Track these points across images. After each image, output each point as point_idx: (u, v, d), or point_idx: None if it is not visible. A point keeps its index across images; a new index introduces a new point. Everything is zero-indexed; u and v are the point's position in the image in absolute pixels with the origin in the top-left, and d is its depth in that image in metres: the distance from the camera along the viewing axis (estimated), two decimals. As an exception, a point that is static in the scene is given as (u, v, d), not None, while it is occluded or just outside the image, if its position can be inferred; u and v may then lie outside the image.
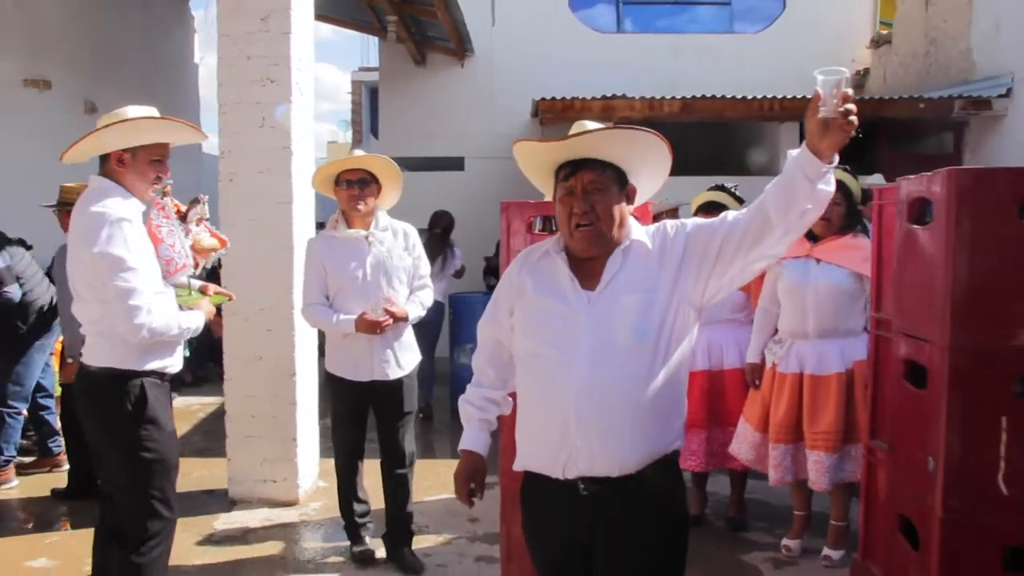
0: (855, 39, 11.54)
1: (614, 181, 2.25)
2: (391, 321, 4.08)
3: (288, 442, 5.27)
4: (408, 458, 4.30)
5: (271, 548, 4.62)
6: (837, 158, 2.00)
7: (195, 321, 3.17)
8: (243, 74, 5.21)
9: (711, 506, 5.13)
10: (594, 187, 2.22)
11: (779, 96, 8.05)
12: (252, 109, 5.19)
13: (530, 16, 10.81)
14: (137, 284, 2.93)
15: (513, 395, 2.53)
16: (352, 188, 4.09)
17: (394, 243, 4.25)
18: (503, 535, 3.34)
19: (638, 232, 2.31)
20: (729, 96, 8.23)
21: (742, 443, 4.52)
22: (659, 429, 2.25)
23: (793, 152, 2.04)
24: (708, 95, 8.19)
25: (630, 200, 2.33)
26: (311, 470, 5.53)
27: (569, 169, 2.25)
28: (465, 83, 10.71)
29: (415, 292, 4.32)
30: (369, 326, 4.03)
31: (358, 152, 4.32)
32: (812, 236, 4.29)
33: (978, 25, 8.58)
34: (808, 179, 1.99)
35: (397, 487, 4.31)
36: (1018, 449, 1.73)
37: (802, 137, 6.76)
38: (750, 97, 8.03)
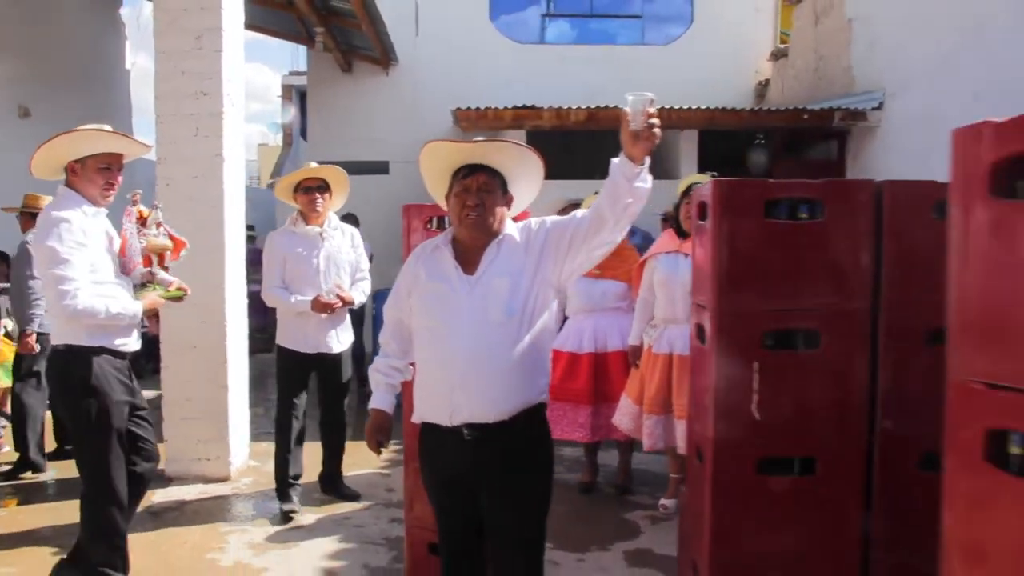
0: (758, 51, 12.29)
1: (499, 187, 2.85)
2: (341, 304, 4.98)
3: (221, 423, 5.78)
4: (343, 416, 5.34)
5: (206, 514, 5.14)
6: (648, 160, 2.57)
7: (130, 308, 3.68)
8: (178, 88, 5.70)
9: (602, 475, 5.77)
10: (485, 187, 2.80)
11: (676, 107, 8.75)
12: (187, 120, 5.68)
13: (452, 27, 11.32)
14: (67, 272, 3.48)
15: (413, 364, 3.11)
16: (311, 193, 5.01)
17: (342, 240, 5.16)
18: (405, 487, 3.89)
19: (510, 228, 2.91)
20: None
21: (623, 415, 5.17)
22: (526, 384, 2.83)
23: (615, 159, 2.64)
24: (612, 105, 8.86)
25: (508, 205, 2.92)
26: (243, 450, 6.04)
27: (467, 170, 2.83)
28: (390, 91, 11.21)
29: (357, 283, 5.22)
30: (322, 307, 4.93)
31: (313, 164, 5.26)
32: (682, 233, 4.95)
33: (856, 45, 9.42)
34: (626, 179, 2.56)
35: (333, 434, 5.32)
36: (766, 386, 2.36)
37: (700, 144, 7.51)
38: (649, 108, 8.71)
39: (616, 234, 2.75)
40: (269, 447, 5.46)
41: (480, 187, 2.80)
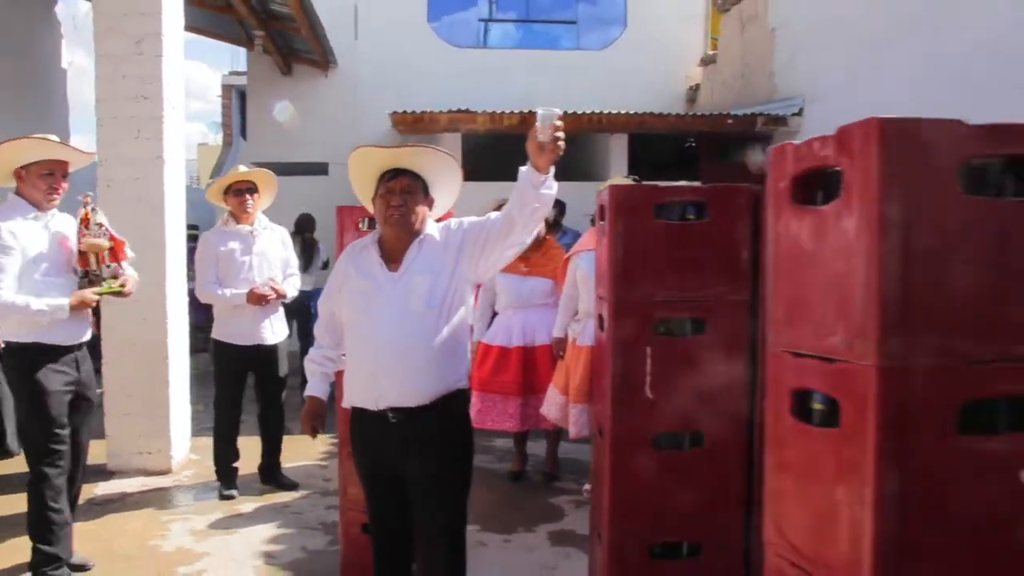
0: (689, 57, 12.73)
1: (421, 190, 3.10)
2: (274, 296, 5.28)
3: (162, 418, 5.94)
4: (280, 408, 5.58)
5: (148, 504, 5.31)
6: (553, 169, 2.84)
7: (53, 304, 3.86)
8: (119, 91, 5.84)
9: (531, 464, 6.06)
10: (408, 189, 3.06)
11: (606, 111, 9.10)
12: (128, 123, 5.83)
13: (391, 31, 11.54)
14: None
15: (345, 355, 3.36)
16: (241, 195, 5.32)
17: (272, 238, 5.46)
18: (340, 472, 4.12)
19: (431, 228, 3.17)
20: (562, 111, 9.22)
21: (550, 405, 5.47)
22: (445, 372, 3.09)
23: (523, 168, 2.90)
24: (545, 110, 9.18)
25: (430, 207, 3.18)
26: (184, 444, 6.21)
27: (391, 174, 3.09)
28: (329, 93, 11.40)
29: (288, 278, 5.51)
30: (257, 298, 5.22)
31: (243, 168, 5.56)
32: (604, 234, 5.26)
33: (779, 54, 9.88)
34: (533, 186, 2.82)
35: (271, 426, 5.57)
36: (657, 368, 2.66)
37: (630, 147, 7.86)
38: (580, 112, 9.05)
39: (525, 235, 3.00)
40: (209, 442, 5.64)
41: (403, 189, 3.05)
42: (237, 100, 18.76)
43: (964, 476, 1.33)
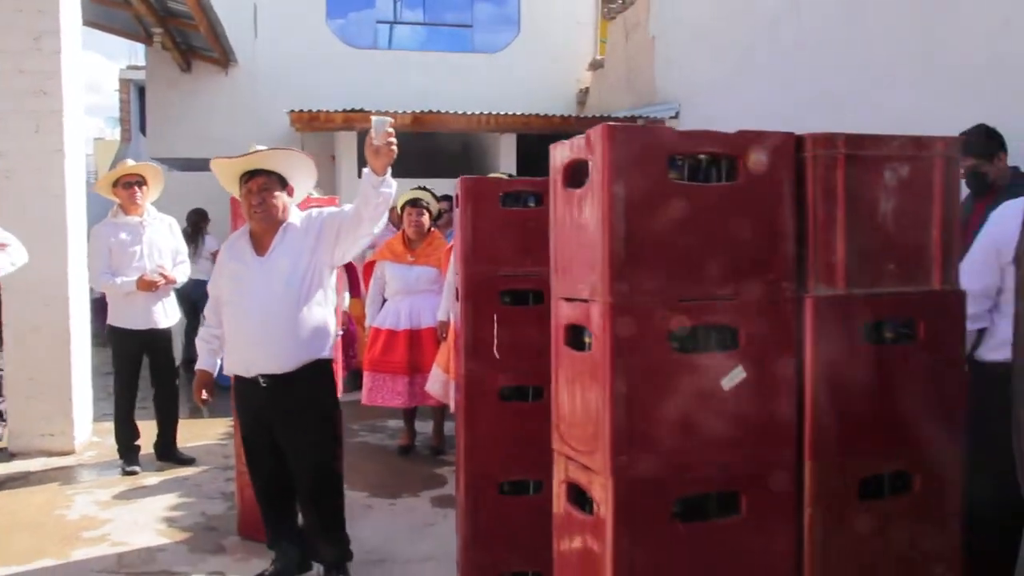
0: (579, 61, 13.34)
1: (277, 183, 3.58)
2: (164, 281, 5.63)
3: (65, 400, 6.19)
4: (174, 388, 5.97)
5: (52, 480, 5.60)
6: (390, 170, 3.26)
7: None
8: (18, 86, 6.08)
9: (419, 440, 6.52)
10: (264, 187, 3.54)
11: (495, 112, 9.64)
12: (27, 116, 6.08)
13: (290, 30, 11.81)
14: None
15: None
16: (131, 188, 5.65)
17: (160, 228, 5.80)
18: (236, 441, 4.50)
19: (294, 216, 3.67)
20: (453, 111, 9.74)
21: (434, 383, 5.94)
22: (307, 343, 3.58)
23: (365, 169, 3.33)
24: (438, 110, 9.66)
25: (291, 195, 3.66)
26: (86, 426, 6.47)
27: (248, 176, 3.56)
28: (229, 90, 11.63)
29: (177, 265, 5.86)
30: (147, 284, 5.56)
31: (130, 162, 5.94)
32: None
33: (658, 61, 10.55)
34: (372, 187, 3.30)
35: (165, 405, 5.91)
36: (503, 331, 3.16)
37: (519, 146, 8.41)
38: (470, 112, 9.56)
39: (373, 228, 3.50)
40: (110, 427, 5.95)
41: (260, 188, 3.53)
42: (136, 95, 18.62)
43: (677, 379, 1.87)
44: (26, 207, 6.03)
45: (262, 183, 3.53)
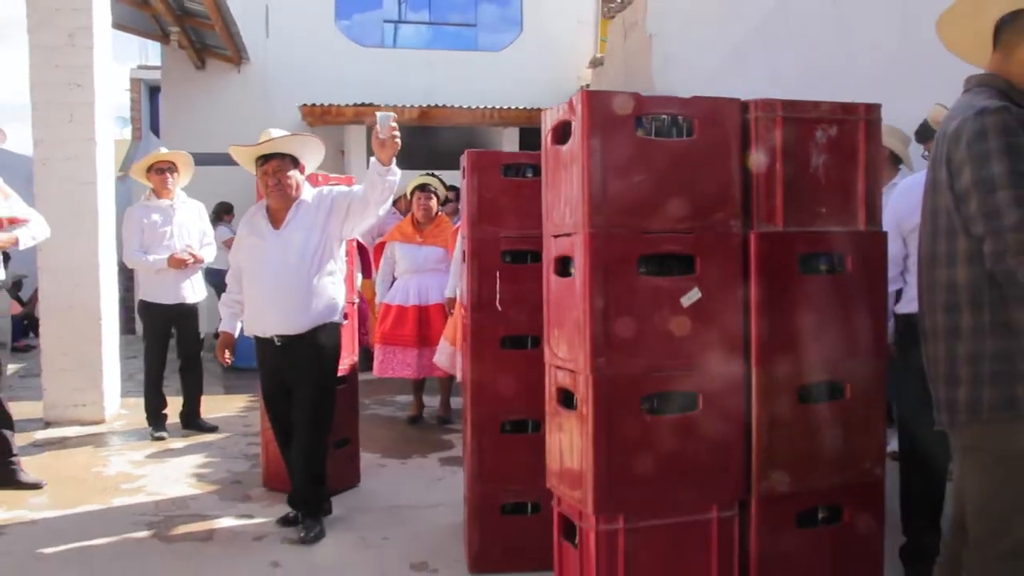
0: (579, 59, 13.75)
1: (291, 163, 4.04)
2: (192, 260, 6.08)
3: (96, 374, 6.64)
4: (199, 360, 6.36)
5: (87, 444, 6.04)
6: (395, 160, 3.72)
7: None
8: (53, 79, 6.52)
9: (427, 411, 6.93)
10: (278, 168, 4.00)
11: (499, 107, 10.08)
12: (62, 108, 6.52)
13: (301, 29, 12.26)
14: None
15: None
16: (163, 174, 6.14)
17: (189, 211, 6.28)
18: (260, 408, 4.91)
19: (307, 194, 4.12)
20: (457, 106, 10.18)
21: (442, 355, 6.36)
22: (318, 308, 4.05)
23: (372, 158, 3.78)
24: (443, 105, 10.10)
25: (302, 171, 4.12)
26: (115, 398, 6.91)
27: (263, 159, 4.03)
28: (241, 87, 12.09)
29: (204, 246, 6.31)
30: (177, 262, 6.02)
31: (164, 150, 6.47)
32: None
33: (656, 59, 10.98)
34: (379, 175, 3.77)
35: (190, 376, 6.34)
36: (504, 286, 3.59)
37: (521, 140, 8.93)
38: (474, 107, 10.00)
39: (378, 210, 3.98)
40: (138, 401, 6.43)
41: (275, 170, 4.00)
42: (146, 95, 19.02)
43: (644, 297, 2.31)
44: (60, 193, 6.47)
45: (276, 165, 3.99)
